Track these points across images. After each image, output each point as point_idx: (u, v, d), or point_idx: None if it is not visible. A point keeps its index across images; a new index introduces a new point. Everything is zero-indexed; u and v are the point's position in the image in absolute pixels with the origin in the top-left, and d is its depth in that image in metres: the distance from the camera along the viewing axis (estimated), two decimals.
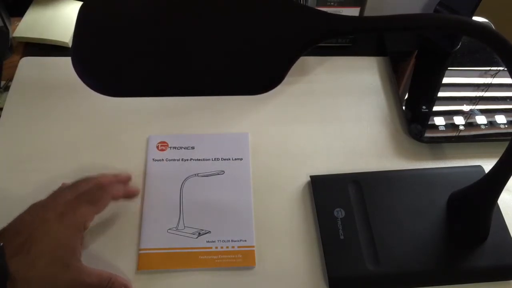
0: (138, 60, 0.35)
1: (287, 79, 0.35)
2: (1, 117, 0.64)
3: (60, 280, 0.43)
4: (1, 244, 0.40)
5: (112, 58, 0.35)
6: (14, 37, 0.72)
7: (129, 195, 0.55)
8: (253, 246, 0.54)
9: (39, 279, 0.42)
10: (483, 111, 0.65)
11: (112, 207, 0.56)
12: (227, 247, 0.54)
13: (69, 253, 0.45)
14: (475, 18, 0.74)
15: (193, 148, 0.62)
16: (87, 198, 0.48)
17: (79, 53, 0.35)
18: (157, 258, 0.53)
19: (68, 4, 0.75)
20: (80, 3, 0.38)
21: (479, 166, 0.60)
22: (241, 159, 0.61)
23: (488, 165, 0.58)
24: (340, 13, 0.69)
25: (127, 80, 0.35)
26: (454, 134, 0.63)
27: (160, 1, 0.38)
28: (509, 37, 0.38)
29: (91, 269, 0.46)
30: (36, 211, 0.46)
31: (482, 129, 0.63)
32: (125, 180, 0.57)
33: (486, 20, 0.76)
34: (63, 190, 0.50)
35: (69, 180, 0.58)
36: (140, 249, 0.53)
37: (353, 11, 0.69)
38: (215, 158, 0.61)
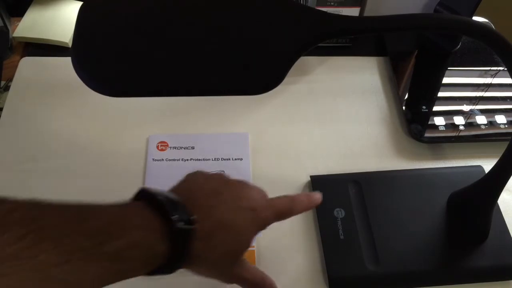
0: (138, 60, 0.35)
1: (287, 79, 0.35)
2: (1, 117, 0.64)
3: (225, 270, 0.44)
4: (194, 227, 0.39)
5: (112, 58, 0.35)
6: (14, 37, 0.72)
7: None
8: (253, 246, 0.54)
9: (212, 264, 0.42)
10: (483, 111, 0.65)
11: None
12: None
13: (243, 250, 0.44)
14: (475, 18, 0.74)
15: (193, 148, 0.62)
16: (275, 206, 0.47)
17: (79, 53, 0.36)
18: None
19: (68, 4, 0.75)
20: (80, 3, 0.38)
21: (479, 166, 0.60)
22: (241, 159, 0.61)
23: (488, 165, 0.58)
24: (340, 13, 0.69)
25: (127, 80, 0.35)
26: (454, 134, 0.63)
27: (160, 2, 0.38)
28: (509, 37, 0.38)
29: (249, 265, 0.47)
30: (227, 195, 0.44)
31: (482, 129, 0.63)
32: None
33: (486, 20, 0.76)
34: (250, 185, 0.48)
35: (70, 180, 0.59)
36: None
37: (353, 11, 0.69)
38: (215, 158, 0.61)
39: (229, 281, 0.46)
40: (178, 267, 0.39)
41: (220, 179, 0.46)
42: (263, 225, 0.46)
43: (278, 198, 0.48)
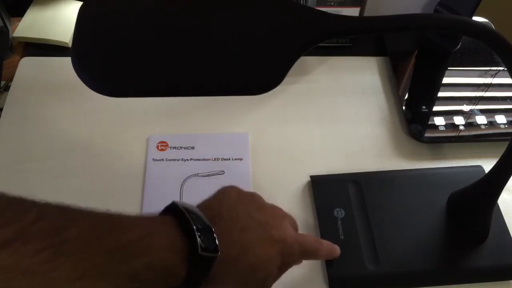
0: (138, 61, 0.35)
1: (287, 79, 0.35)
2: (1, 117, 0.64)
3: None
4: (217, 255, 0.37)
5: (112, 58, 0.35)
6: (14, 37, 0.72)
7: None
8: None
9: None
10: (483, 111, 0.65)
11: (111, 207, 0.56)
12: None
13: (265, 282, 0.42)
14: (475, 18, 0.74)
15: (193, 148, 0.62)
16: (304, 244, 0.46)
17: (79, 54, 0.35)
18: None
19: (68, 4, 0.75)
20: (80, 3, 0.38)
21: (479, 166, 0.60)
22: (241, 159, 0.61)
23: (488, 165, 0.58)
24: (340, 13, 0.69)
25: (127, 81, 0.35)
26: (454, 134, 0.63)
27: (160, 2, 0.38)
28: (509, 37, 0.38)
29: None
30: (260, 219, 0.43)
31: (482, 129, 0.63)
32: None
33: (486, 20, 0.76)
34: (283, 211, 0.47)
35: (70, 180, 0.58)
36: None
37: (353, 11, 0.69)
38: (215, 158, 0.61)
39: None
40: None
41: (253, 200, 0.45)
42: (287, 258, 0.44)
43: (306, 235, 0.48)
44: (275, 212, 0.45)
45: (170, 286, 0.36)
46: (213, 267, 0.37)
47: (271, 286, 0.43)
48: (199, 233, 0.36)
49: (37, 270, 0.29)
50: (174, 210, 0.39)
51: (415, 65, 0.72)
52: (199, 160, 0.61)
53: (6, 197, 0.31)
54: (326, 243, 0.50)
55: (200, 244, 0.36)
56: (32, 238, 0.30)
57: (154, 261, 0.34)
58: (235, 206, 0.42)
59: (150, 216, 0.39)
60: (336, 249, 0.51)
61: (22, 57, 0.71)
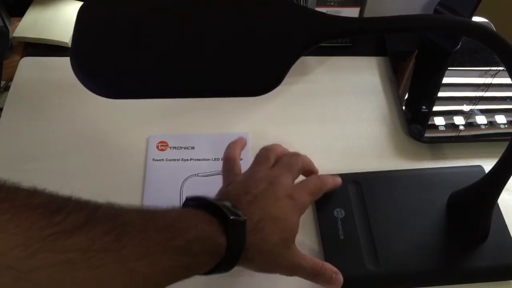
0: (137, 62, 0.35)
1: (287, 79, 0.35)
2: (1, 117, 0.64)
3: (282, 259, 0.46)
4: (245, 218, 0.42)
5: (111, 60, 0.35)
6: (14, 37, 0.72)
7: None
8: None
9: (268, 254, 0.45)
10: (483, 111, 0.65)
11: None
12: None
13: (292, 236, 0.47)
14: (475, 18, 0.74)
15: (193, 148, 0.62)
16: (307, 187, 0.51)
17: (78, 55, 0.35)
18: None
19: (68, 4, 0.75)
20: (80, 3, 0.38)
21: (479, 166, 0.60)
22: (241, 159, 0.61)
23: (488, 165, 0.58)
24: (340, 13, 0.69)
25: (126, 83, 0.35)
26: (454, 134, 0.63)
27: (159, 3, 0.38)
28: (509, 37, 0.38)
29: (304, 254, 0.48)
30: (263, 187, 0.48)
31: (482, 129, 0.63)
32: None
33: (486, 21, 0.76)
34: (276, 170, 0.51)
35: (70, 180, 0.58)
36: None
37: (353, 11, 0.69)
38: (215, 158, 0.61)
39: (289, 271, 0.48)
40: (237, 259, 0.42)
41: (249, 175, 0.51)
42: (303, 209, 0.49)
43: (308, 179, 0.52)
44: (270, 174, 0.50)
45: (218, 259, 0.40)
46: (245, 233, 0.42)
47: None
48: (222, 207, 0.42)
49: (109, 248, 0.32)
50: (189, 202, 0.44)
51: (415, 65, 0.72)
52: (199, 160, 0.61)
53: (60, 196, 0.34)
54: (326, 176, 0.55)
55: (227, 212, 0.41)
56: (98, 222, 0.33)
57: (200, 232, 0.39)
58: (235, 185, 0.49)
59: (173, 207, 0.43)
60: (337, 178, 0.57)
61: (22, 57, 0.71)
